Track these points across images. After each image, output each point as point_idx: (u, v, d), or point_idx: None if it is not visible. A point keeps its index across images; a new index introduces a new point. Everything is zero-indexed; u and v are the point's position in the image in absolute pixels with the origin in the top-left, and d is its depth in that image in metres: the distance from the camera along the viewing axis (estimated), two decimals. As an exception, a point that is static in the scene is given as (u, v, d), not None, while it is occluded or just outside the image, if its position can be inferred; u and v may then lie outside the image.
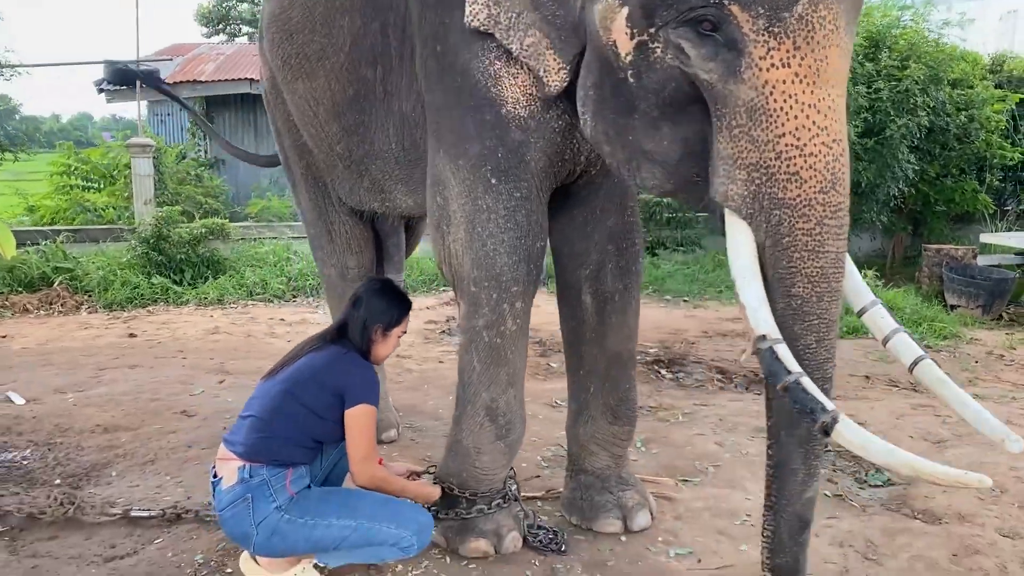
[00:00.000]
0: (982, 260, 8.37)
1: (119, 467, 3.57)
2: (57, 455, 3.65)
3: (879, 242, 10.79)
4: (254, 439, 2.46)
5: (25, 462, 3.57)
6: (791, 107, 1.86)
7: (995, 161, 9.53)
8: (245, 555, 2.62)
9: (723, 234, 2.07)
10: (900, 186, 8.69)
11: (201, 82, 11.70)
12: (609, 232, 2.88)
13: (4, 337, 6.02)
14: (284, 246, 8.88)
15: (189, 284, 7.81)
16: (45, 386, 4.60)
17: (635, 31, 2.02)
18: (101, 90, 11.62)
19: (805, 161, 1.88)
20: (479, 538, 2.80)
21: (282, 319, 6.78)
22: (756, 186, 1.92)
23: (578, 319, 2.97)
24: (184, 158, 11.45)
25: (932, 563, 2.88)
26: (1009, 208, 10.55)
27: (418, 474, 2.91)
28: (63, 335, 6.10)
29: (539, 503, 3.26)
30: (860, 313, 2.17)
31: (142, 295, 7.44)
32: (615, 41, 2.07)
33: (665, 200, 9.10)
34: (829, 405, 1.85)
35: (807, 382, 1.85)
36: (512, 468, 2.98)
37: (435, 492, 2.80)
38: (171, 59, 12.79)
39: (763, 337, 1.88)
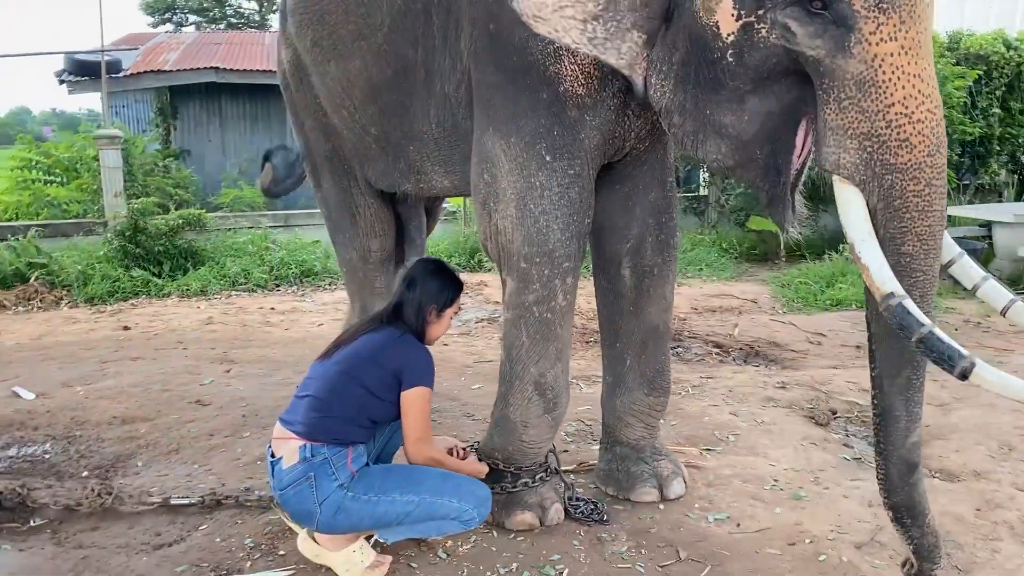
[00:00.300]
0: (948, 232, 8.58)
1: (144, 457, 3.55)
2: (79, 448, 3.61)
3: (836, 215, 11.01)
4: (313, 418, 2.48)
5: (47, 456, 3.53)
6: (899, 78, 1.96)
7: (955, 136, 9.80)
8: (303, 535, 2.63)
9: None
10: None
11: (165, 72, 11.48)
12: (650, 206, 2.95)
13: (-9, 334, 5.91)
14: (262, 235, 8.81)
15: (169, 276, 7.72)
16: (51, 380, 4.53)
17: (743, 12, 2.08)
18: (62, 81, 11.34)
19: (914, 128, 1.98)
20: (525, 511, 2.85)
21: (272, 308, 6.74)
22: (868, 154, 2.01)
23: (617, 292, 3.03)
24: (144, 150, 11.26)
25: (959, 517, 3.01)
26: (968, 182, 10.88)
27: (464, 450, 2.94)
28: (52, 330, 6.00)
29: (572, 476, 3.31)
30: (948, 265, 2.28)
31: (122, 288, 7.33)
32: (717, 22, 2.13)
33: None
34: (964, 352, 1.92)
35: (940, 332, 1.94)
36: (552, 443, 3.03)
37: (483, 468, 2.84)
38: (137, 48, 12.52)
39: (891, 294, 1.96)
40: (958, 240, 8.39)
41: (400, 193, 3.50)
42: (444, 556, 2.70)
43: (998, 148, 10.29)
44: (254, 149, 12.63)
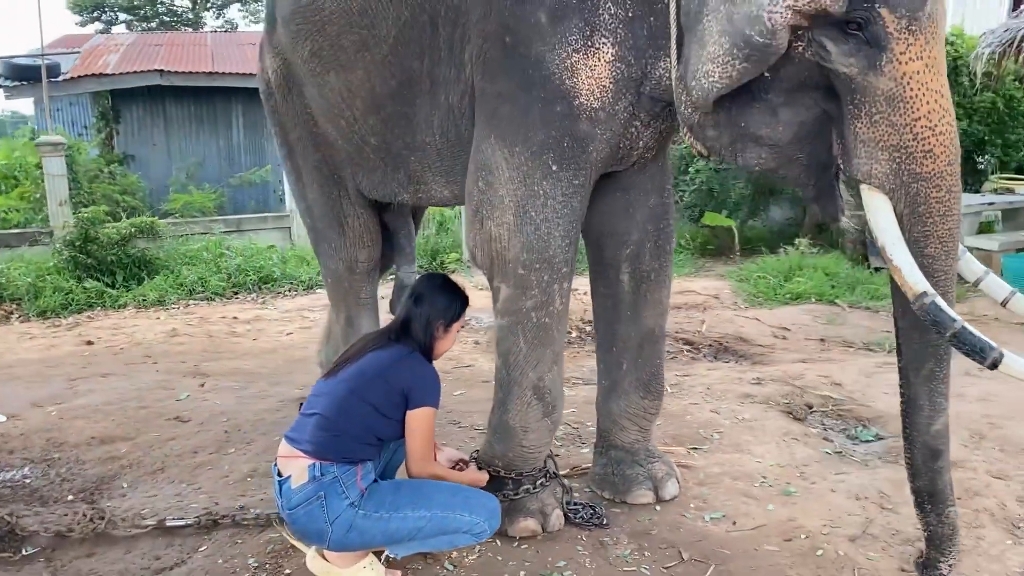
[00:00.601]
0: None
1: (128, 478, 3.48)
2: (59, 471, 3.52)
3: (791, 210, 11.26)
4: (322, 437, 2.45)
5: (28, 480, 3.43)
6: (924, 94, 2.11)
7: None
8: (311, 553, 2.61)
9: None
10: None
11: (107, 75, 11.15)
12: (650, 212, 3.01)
13: (-59, 353, 5.70)
14: (216, 241, 8.66)
15: (123, 286, 7.54)
16: (20, 400, 4.40)
17: None
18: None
19: (937, 140, 2.13)
20: (528, 518, 2.88)
21: (235, 317, 6.63)
22: (897, 164, 2.15)
23: (615, 297, 3.08)
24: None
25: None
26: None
27: (465, 462, 2.95)
28: (11, 347, 5.82)
29: (566, 481, 3.34)
30: None
31: (76, 301, 7.14)
32: None
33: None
34: (994, 344, 2.09)
35: (970, 327, 2.10)
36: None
37: (484, 477, 2.86)
38: (75, 51, 12.15)
39: (924, 293, 2.11)
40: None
41: (396, 203, 3.48)
42: (451, 568, 2.71)
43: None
44: (201, 153, 12.41)
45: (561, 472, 3.37)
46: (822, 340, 5.79)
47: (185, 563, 2.78)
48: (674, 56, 2.43)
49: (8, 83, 10.88)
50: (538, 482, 2.95)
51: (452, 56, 2.76)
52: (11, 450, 3.72)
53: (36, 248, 8.14)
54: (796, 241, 8.44)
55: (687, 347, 5.55)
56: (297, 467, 2.46)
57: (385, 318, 4.65)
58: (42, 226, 8.72)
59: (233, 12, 29.26)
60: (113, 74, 11.16)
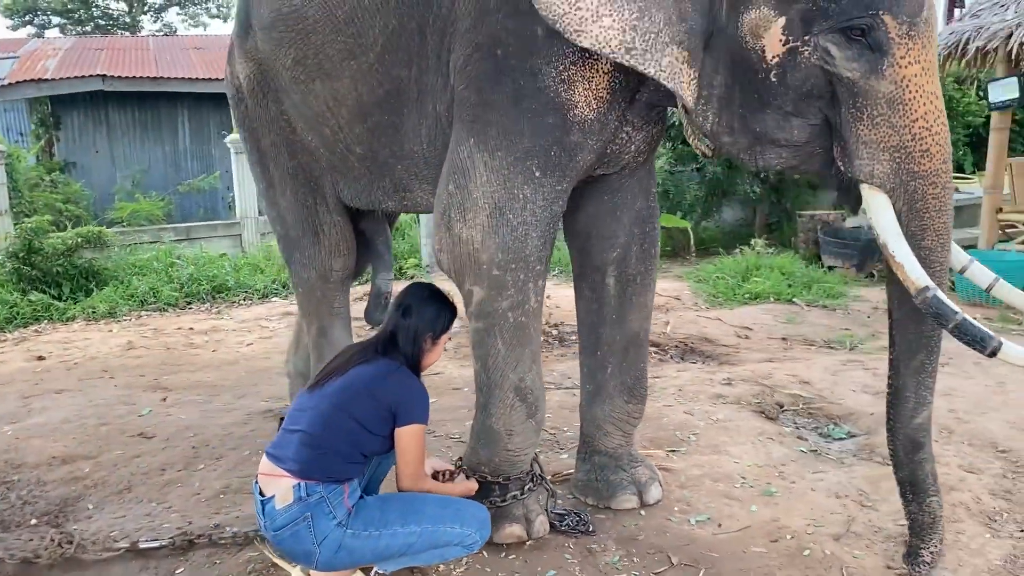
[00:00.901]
0: (850, 222, 9.06)
1: (93, 499, 3.34)
2: (20, 493, 3.37)
3: (742, 211, 11.42)
4: (307, 455, 2.37)
5: (-14, 505, 3.28)
6: (921, 96, 2.19)
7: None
8: (297, 572, 2.54)
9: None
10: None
11: (47, 80, 10.83)
12: (636, 215, 3.01)
13: None
14: (166, 250, 8.45)
15: (71, 298, 7.30)
16: (-29, 421, 4.21)
17: (790, 38, 2.23)
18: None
19: (933, 139, 2.22)
20: (512, 523, 2.84)
21: (191, 328, 6.46)
22: (897, 163, 2.24)
23: (600, 301, 3.07)
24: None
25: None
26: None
27: (451, 472, 2.90)
28: (-46, 364, 5.57)
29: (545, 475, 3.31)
30: None
31: (22, 314, 6.89)
32: (764, 46, 2.26)
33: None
34: (992, 334, 2.17)
35: (971, 319, 2.18)
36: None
37: (473, 487, 2.80)
38: (11, 56, 11.76)
39: (927, 287, 2.19)
40: (854, 230, 8.90)
41: (379, 210, 3.43)
42: (439, 580, 2.66)
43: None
44: (146, 159, 12.12)
45: (539, 463, 3.36)
46: (784, 339, 5.85)
47: (162, 587, 2.68)
48: None
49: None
50: (526, 487, 2.91)
51: (440, 65, 2.73)
52: (-34, 473, 3.56)
53: (-24, 260, 7.84)
54: (752, 242, 8.56)
55: (654, 349, 5.56)
56: (281, 487, 2.37)
57: (358, 327, 4.58)
58: (-19, 238, 8.41)
59: (171, 16, 28.74)
60: (53, 79, 10.85)
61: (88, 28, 26.04)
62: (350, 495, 2.41)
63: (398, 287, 4.11)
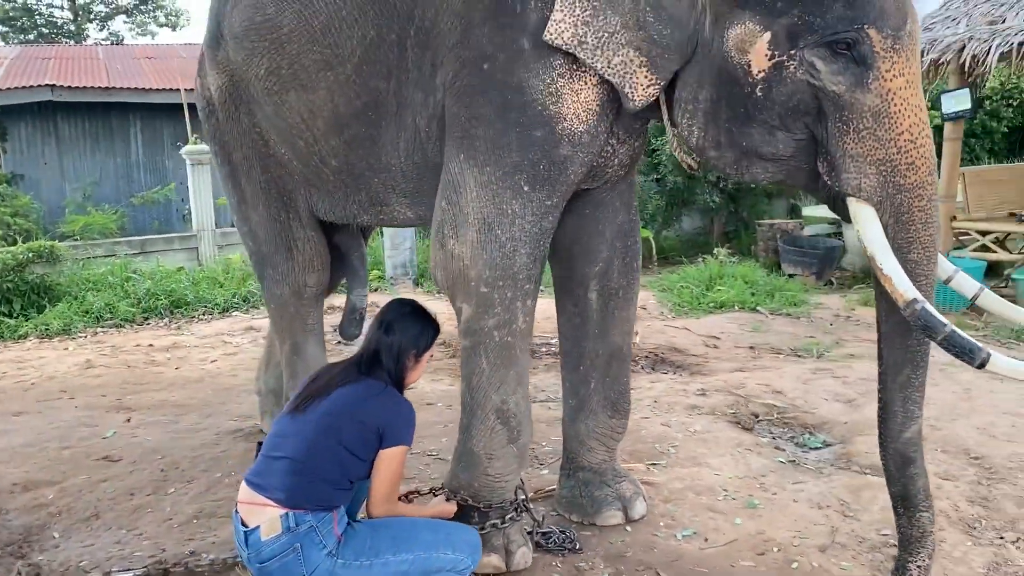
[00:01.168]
0: (808, 231, 9.20)
1: (59, 527, 3.21)
2: (-19, 523, 3.23)
3: (700, 220, 11.54)
4: (294, 484, 2.29)
5: (-54, 536, 3.13)
6: (906, 109, 2.20)
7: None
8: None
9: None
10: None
11: (-7, 90, 10.52)
12: (618, 229, 3.00)
13: None
14: (122, 264, 8.23)
15: (22, 315, 7.05)
16: (-75, 447, 4.03)
17: (776, 52, 2.23)
18: None
19: (918, 152, 2.23)
20: (490, 553, 2.74)
21: (151, 345, 6.28)
22: (883, 177, 2.24)
23: (582, 315, 3.04)
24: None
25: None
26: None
27: (418, 492, 2.85)
28: (-99, 386, 5.34)
29: (540, 512, 3.26)
30: None
31: (-31, 333, 6.65)
32: (749, 61, 2.27)
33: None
34: (981, 345, 2.17)
35: (959, 331, 2.18)
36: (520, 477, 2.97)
37: (452, 508, 2.74)
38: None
39: (915, 300, 2.18)
40: (812, 239, 9.04)
41: (354, 224, 3.36)
42: (428, 606, 2.59)
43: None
44: (97, 172, 11.83)
45: (524, 491, 3.31)
46: (751, 348, 5.90)
47: (139, 619, 2.58)
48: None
49: None
50: (507, 516, 2.82)
51: (422, 78, 2.68)
52: (-78, 503, 3.40)
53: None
54: (715, 251, 8.63)
55: (624, 360, 5.56)
56: (267, 517, 2.28)
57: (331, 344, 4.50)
58: (-76, 253, 8.11)
59: (119, 24, 28.20)
60: (0, 89, 10.52)
61: (31, 36, 25.39)
62: (339, 523, 2.34)
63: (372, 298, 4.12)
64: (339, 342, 5.24)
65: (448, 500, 2.81)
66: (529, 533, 2.91)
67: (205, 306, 7.61)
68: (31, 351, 6.29)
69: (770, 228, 9.15)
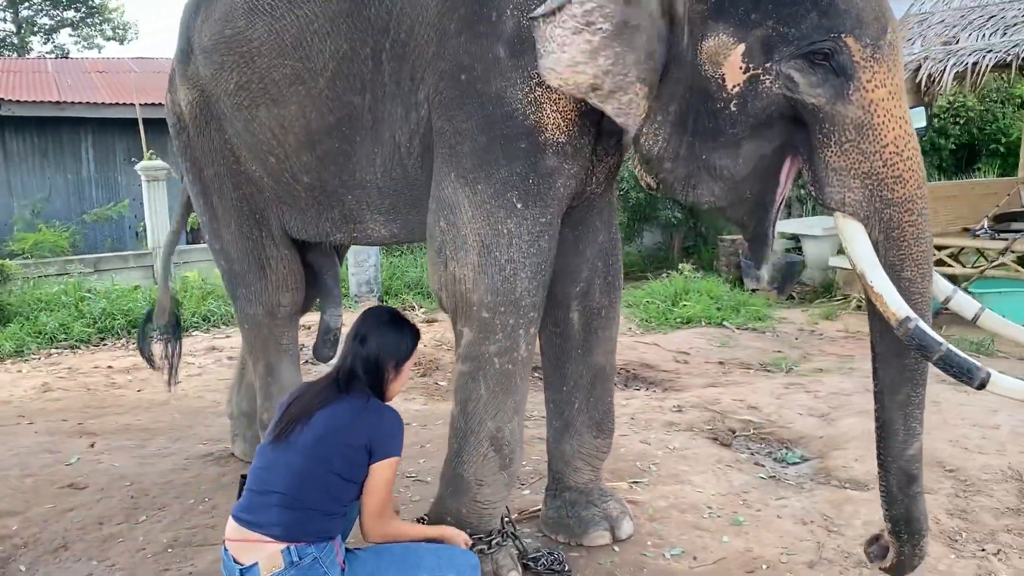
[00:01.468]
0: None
1: (26, 559, 3.08)
2: (-59, 558, 3.08)
3: (661, 236, 11.63)
4: (290, 518, 2.20)
5: (-96, 572, 2.98)
6: (890, 120, 2.13)
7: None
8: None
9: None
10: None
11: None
12: (599, 248, 2.96)
13: None
14: (76, 283, 8.00)
15: (-30, 337, 6.82)
16: None
17: (751, 65, 2.17)
18: None
19: (905, 165, 2.16)
20: None
21: (110, 367, 6.10)
22: (869, 191, 2.18)
23: (564, 335, 3.00)
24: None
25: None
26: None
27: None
28: None
29: (526, 541, 3.21)
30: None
31: (-85, 355, 6.40)
32: (724, 75, 2.21)
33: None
34: (979, 365, 2.09)
35: (956, 349, 2.10)
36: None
37: (454, 531, 2.65)
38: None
39: (908, 318, 2.11)
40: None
41: (327, 243, 3.29)
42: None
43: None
44: (47, 188, 11.50)
45: (510, 518, 3.26)
46: (721, 363, 5.94)
47: (118, 656, 2.47)
48: None
49: None
50: (493, 542, 2.78)
51: (400, 92, 2.63)
52: None
53: None
54: (680, 266, 8.70)
55: (596, 376, 5.55)
56: (265, 553, 2.18)
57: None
58: None
59: (64, 37, 27.54)
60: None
61: (-29, 50, 24.74)
62: (340, 551, 2.28)
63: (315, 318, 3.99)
64: (307, 360, 5.15)
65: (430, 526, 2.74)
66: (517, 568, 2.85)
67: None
68: (-17, 375, 6.07)
69: (732, 243, 9.24)
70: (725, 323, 7.18)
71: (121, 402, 5.10)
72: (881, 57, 2.11)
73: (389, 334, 2.43)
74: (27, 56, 23.21)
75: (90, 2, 26.56)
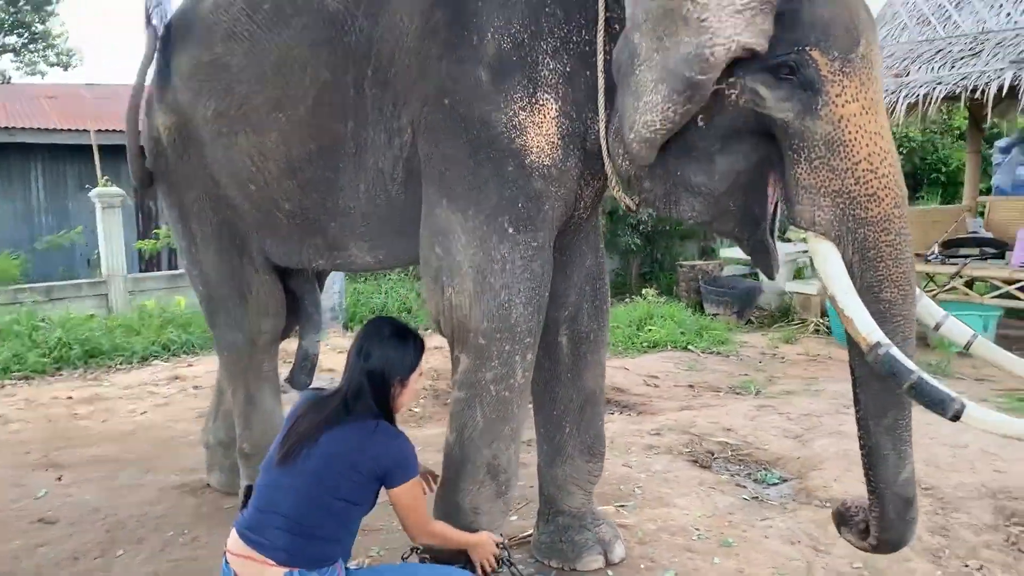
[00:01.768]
0: (727, 271, 9.47)
1: (-1, 598, 2.97)
2: (-91, 599, 2.95)
3: (619, 262, 11.73)
4: (295, 545, 2.16)
5: None
6: (862, 136, 2.09)
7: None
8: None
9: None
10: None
11: None
12: (586, 273, 2.98)
13: None
14: (28, 312, 7.77)
15: (-82, 368, 6.57)
16: None
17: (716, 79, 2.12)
18: None
19: (880, 182, 2.11)
20: None
21: (70, 397, 5.91)
22: (841, 210, 2.12)
23: (553, 359, 3.01)
24: None
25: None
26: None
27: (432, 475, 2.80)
28: None
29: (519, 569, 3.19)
30: None
31: None
32: None
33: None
34: (954, 395, 2.01)
35: (929, 377, 2.03)
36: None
37: (481, 539, 2.59)
38: None
39: (878, 344, 2.04)
40: (732, 278, 9.31)
41: (309, 269, 3.25)
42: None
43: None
44: (-6, 215, 11.20)
45: (505, 544, 3.24)
46: (691, 386, 6.00)
47: None
48: (602, 110, 2.42)
49: None
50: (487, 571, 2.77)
51: (383, 119, 2.63)
52: None
53: None
54: (644, 291, 8.79)
55: (570, 401, 5.56)
56: (269, 575, 2.17)
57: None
58: None
59: (5, 63, 26.93)
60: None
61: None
62: (342, 573, 2.25)
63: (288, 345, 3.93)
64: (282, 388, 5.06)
65: (422, 560, 2.69)
66: None
67: (122, 355, 7.24)
68: (-66, 407, 5.84)
69: (691, 269, 9.39)
70: (690, 347, 7.27)
71: (86, 433, 4.95)
72: (852, 71, 2.07)
73: (392, 348, 2.35)
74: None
75: (33, 28, 26.03)
